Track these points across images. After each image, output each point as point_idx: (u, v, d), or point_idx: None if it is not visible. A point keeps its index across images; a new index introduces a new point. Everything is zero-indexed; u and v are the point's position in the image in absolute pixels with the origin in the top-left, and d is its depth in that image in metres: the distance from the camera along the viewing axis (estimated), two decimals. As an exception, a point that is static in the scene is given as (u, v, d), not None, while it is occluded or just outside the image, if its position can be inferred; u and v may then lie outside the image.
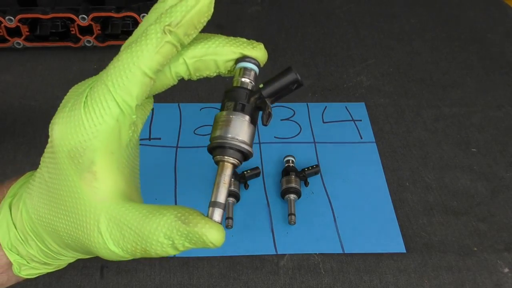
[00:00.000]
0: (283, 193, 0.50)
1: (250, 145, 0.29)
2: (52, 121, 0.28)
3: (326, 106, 0.62)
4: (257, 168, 0.52)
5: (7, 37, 0.64)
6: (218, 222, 0.27)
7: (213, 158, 0.29)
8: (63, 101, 0.29)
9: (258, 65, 0.30)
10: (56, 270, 0.44)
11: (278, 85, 0.31)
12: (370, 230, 0.48)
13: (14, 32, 0.64)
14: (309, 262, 0.45)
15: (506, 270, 0.46)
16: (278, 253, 0.46)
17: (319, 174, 0.53)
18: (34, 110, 0.59)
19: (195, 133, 0.57)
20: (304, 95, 0.63)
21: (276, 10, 0.78)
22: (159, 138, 0.56)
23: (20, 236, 0.31)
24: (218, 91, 0.63)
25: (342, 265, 0.45)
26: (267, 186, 0.52)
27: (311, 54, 0.70)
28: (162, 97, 0.62)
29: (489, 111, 0.62)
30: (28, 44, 0.65)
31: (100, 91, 0.27)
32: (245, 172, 0.51)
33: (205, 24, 0.28)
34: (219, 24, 0.73)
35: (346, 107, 0.62)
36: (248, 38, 0.32)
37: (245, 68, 0.30)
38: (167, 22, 0.27)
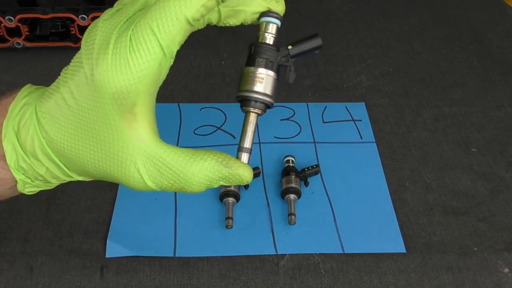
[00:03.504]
0: (283, 193, 0.50)
1: (274, 97, 0.34)
2: (93, 62, 0.28)
3: (326, 106, 0.62)
4: (257, 168, 0.52)
5: (7, 37, 0.64)
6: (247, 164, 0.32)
7: (242, 107, 0.34)
8: (98, 39, 0.29)
9: (281, 19, 0.34)
10: (56, 270, 0.45)
11: (305, 48, 0.35)
12: (370, 230, 0.48)
13: (14, 32, 0.64)
14: (309, 262, 0.45)
15: (506, 270, 0.46)
16: (278, 253, 0.46)
17: (319, 174, 0.53)
18: (34, 110, 0.59)
19: (195, 133, 0.57)
20: (304, 95, 0.63)
21: (276, 10, 0.77)
22: (159, 138, 0.56)
23: (29, 160, 0.32)
24: (218, 91, 0.63)
25: (342, 265, 0.45)
26: (267, 186, 0.52)
27: (311, 54, 0.70)
28: (162, 97, 0.62)
29: (489, 111, 0.62)
30: (28, 44, 0.65)
31: (145, 34, 0.28)
32: (245, 172, 0.51)
33: None
34: (219, 24, 0.73)
35: (346, 107, 0.62)
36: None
37: (271, 23, 0.34)
38: None
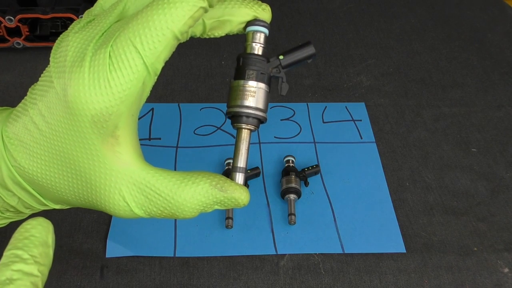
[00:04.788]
0: (283, 193, 0.50)
1: (266, 110, 0.31)
2: (66, 81, 0.26)
3: (326, 106, 0.62)
4: (257, 168, 0.52)
5: (7, 37, 0.64)
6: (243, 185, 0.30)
7: (233, 123, 0.31)
8: (70, 55, 0.26)
9: (268, 28, 0.32)
10: (56, 270, 0.44)
11: (297, 57, 0.32)
12: (370, 230, 0.48)
13: (14, 32, 0.64)
14: (309, 262, 0.45)
15: (506, 270, 0.46)
16: (278, 253, 0.46)
17: (319, 174, 0.53)
18: (34, 110, 0.59)
19: (195, 133, 0.57)
20: (304, 95, 0.63)
21: (276, 10, 0.78)
22: (159, 138, 0.56)
23: None
24: (218, 91, 0.63)
25: (342, 265, 0.45)
26: (267, 186, 0.52)
27: (311, 54, 0.69)
28: (162, 97, 0.62)
29: (489, 111, 0.62)
30: (28, 44, 0.65)
31: (127, 51, 0.25)
32: (245, 172, 0.51)
33: None
34: (219, 24, 0.73)
35: (346, 107, 0.62)
36: None
37: (259, 32, 0.32)
38: None
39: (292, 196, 0.49)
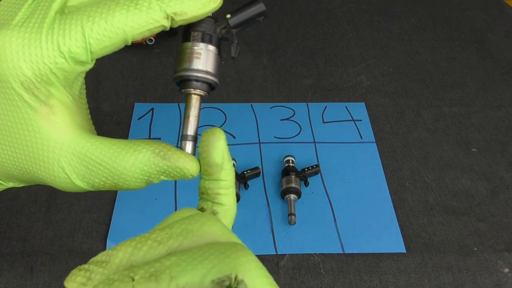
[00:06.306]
0: (283, 193, 0.50)
1: (217, 75, 0.29)
2: None
3: (326, 106, 0.62)
4: (257, 168, 0.52)
5: (7, 37, 0.64)
6: (191, 154, 0.28)
7: (180, 90, 0.29)
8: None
9: None
10: (56, 270, 0.44)
11: (246, 16, 0.30)
12: (370, 230, 0.48)
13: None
14: (309, 262, 0.45)
15: (506, 270, 0.46)
16: (278, 253, 0.46)
17: (319, 174, 0.53)
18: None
19: (195, 133, 0.57)
20: (304, 95, 0.63)
21: (276, 10, 0.78)
22: (159, 138, 0.56)
23: None
24: (218, 91, 0.63)
25: (342, 265, 0.45)
26: (267, 186, 0.52)
27: (311, 54, 0.70)
28: (162, 97, 0.62)
29: (489, 111, 0.62)
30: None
31: (73, 30, 0.24)
32: (245, 172, 0.51)
33: None
34: (219, 24, 0.73)
35: (346, 107, 0.62)
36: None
37: None
38: (175, 10, 0.25)
39: (292, 196, 0.49)
